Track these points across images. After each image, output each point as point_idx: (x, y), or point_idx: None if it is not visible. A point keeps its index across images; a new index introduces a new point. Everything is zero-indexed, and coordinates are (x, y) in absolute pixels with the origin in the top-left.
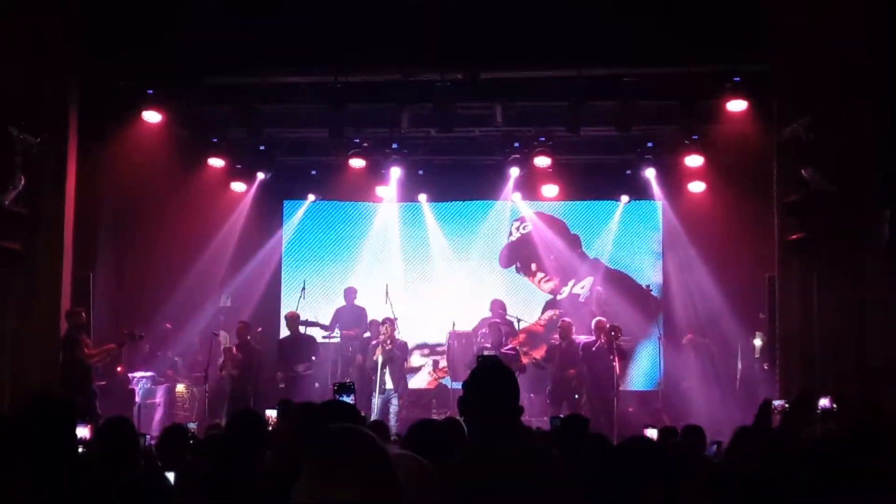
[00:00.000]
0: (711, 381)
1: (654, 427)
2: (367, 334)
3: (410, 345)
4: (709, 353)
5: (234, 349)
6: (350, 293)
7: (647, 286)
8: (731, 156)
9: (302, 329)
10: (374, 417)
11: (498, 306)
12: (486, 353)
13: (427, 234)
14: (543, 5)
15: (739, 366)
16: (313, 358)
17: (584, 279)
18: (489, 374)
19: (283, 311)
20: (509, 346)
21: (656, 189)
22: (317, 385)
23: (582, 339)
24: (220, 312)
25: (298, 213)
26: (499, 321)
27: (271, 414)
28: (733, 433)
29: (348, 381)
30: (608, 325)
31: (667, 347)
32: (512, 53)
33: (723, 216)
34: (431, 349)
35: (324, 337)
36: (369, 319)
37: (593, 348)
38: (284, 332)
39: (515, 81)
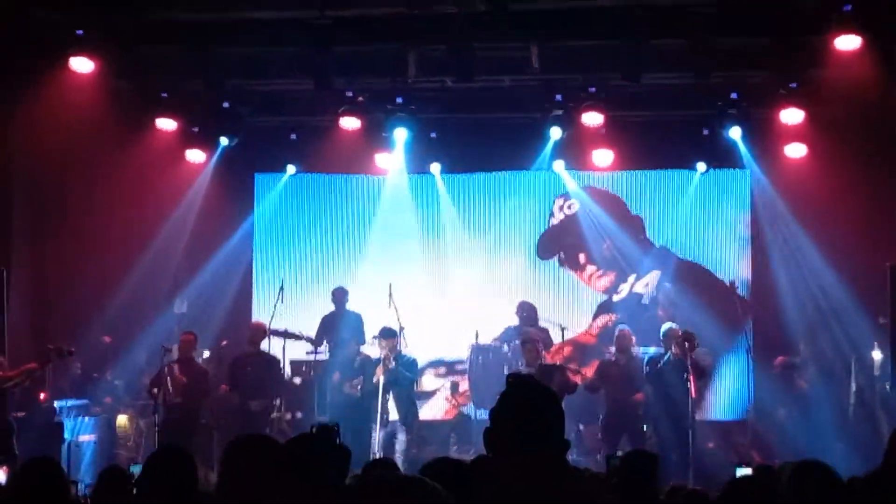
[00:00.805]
0: (816, 406)
1: (744, 466)
2: (365, 348)
3: (422, 362)
4: (812, 376)
5: (177, 369)
6: (340, 295)
7: (732, 282)
8: (841, 110)
9: (268, 344)
10: (375, 456)
11: (526, 310)
12: (520, 371)
13: (441, 218)
14: None
15: (854, 386)
16: (276, 402)
17: (649, 274)
18: (524, 398)
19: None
20: (550, 361)
21: (744, 154)
22: (292, 416)
23: (647, 352)
24: (173, 322)
25: (274, 191)
26: (532, 329)
27: None
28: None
29: (332, 423)
30: (681, 334)
31: (759, 364)
32: None
33: (829, 189)
34: (449, 368)
35: (308, 353)
36: (366, 329)
37: (661, 365)
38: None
39: (556, 13)
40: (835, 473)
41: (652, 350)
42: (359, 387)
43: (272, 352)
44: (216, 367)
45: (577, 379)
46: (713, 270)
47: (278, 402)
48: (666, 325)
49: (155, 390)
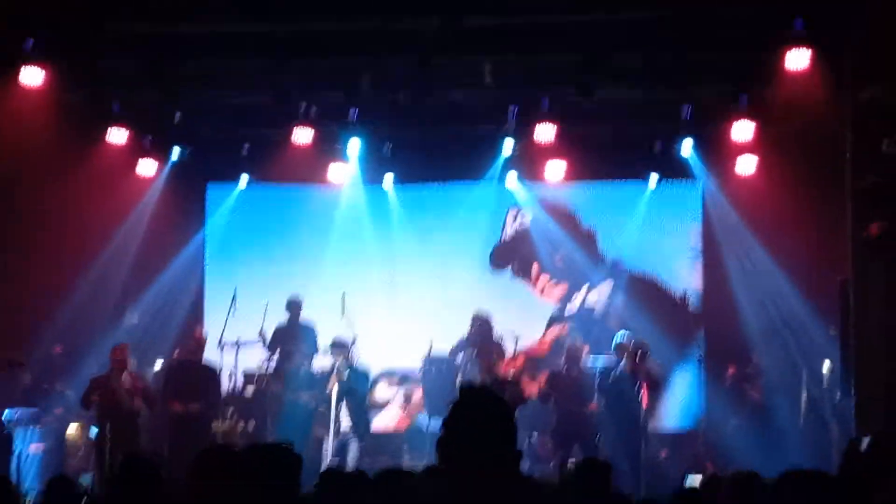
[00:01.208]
0: (769, 416)
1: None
2: (318, 359)
3: (375, 372)
4: (760, 386)
5: (128, 379)
6: (294, 306)
7: (684, 294)
8: (792, 125)
9: (220, 355)
10: (326, 465)
11: (480, 321)
12: (472, 381)
13: (394, 228)
14: None
15: (805, 395)
16: (224, 410)
17: (601, 285)
18: (476, 408)
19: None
20: (504, 372)
21: (696, 166)
22: (245, 426)
23: (598, 362)
24: (125, 332)
25: (227, 201)
26: (484, 339)
27: None
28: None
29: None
30: (633, 344)
31: (710, 374)
32: None
33: (780, 202)
34: (402, 378)
35: (261, 363)
36: (319, 339)
37: (614, 375)
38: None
39: (509, 28)
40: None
41: (602, 360)
42: (311, 397)
43: (224, 363)
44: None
45: (534, 388)
46: (665, 282)
47: (231, 411)
48: (619, 335)
49: (95, 397)
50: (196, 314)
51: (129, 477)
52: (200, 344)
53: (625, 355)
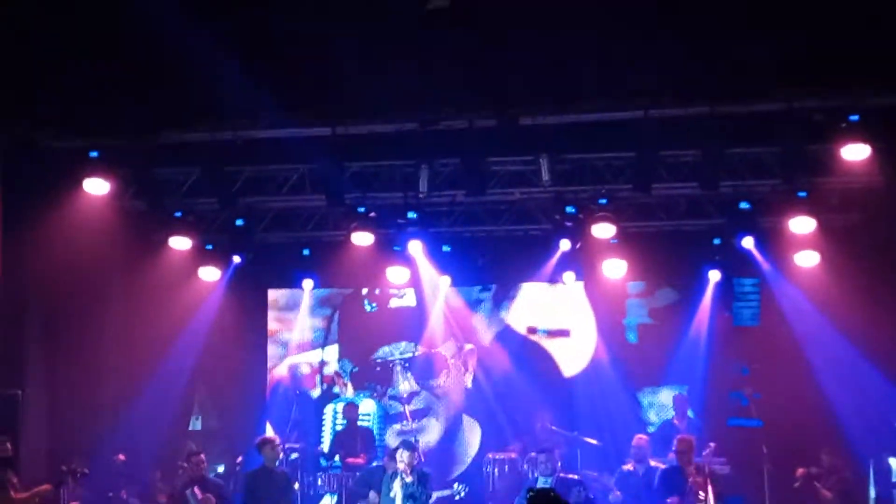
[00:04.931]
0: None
1: None
2: (377, 463)
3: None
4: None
5: (198, 490)
6: (351, 411)
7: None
8: (851, 217)
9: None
10: None
11: (539, 417)
12: (539, 481)
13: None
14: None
15: (872, 493)
16: None
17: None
18: None
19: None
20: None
21: (761, 262)
22: None
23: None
24: (188, 439)
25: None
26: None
27: None
28: None
29: None
30: (677, 443)
31: (775, 466)
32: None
33: (841, 296)
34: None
35: (322, 467)
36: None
37: (678, 478)
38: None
39: (565, 126)
40: None
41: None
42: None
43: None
44: (232, 482)
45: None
46: None
47: None
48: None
49: None
50: (258, 419)
51: None
52: (271, 448)
53: (688, 456)
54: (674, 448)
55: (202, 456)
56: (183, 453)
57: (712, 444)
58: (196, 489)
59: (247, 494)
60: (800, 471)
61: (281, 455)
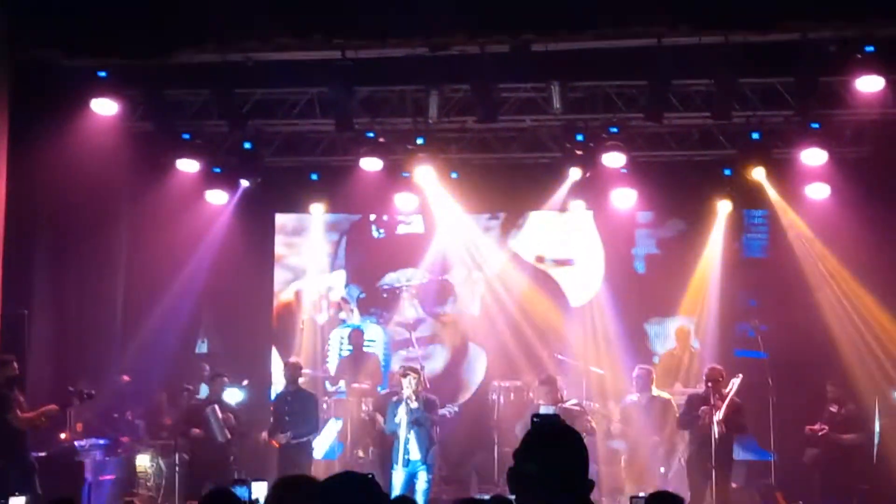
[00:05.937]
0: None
1: None
2: (382, 389)
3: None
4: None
5: (219, 409)
6: (357, 337)
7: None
8: (863, 150)
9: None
10: (395, 494)
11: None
12: (542, 410)
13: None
14: None
15: (877, 428)
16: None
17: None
18: (549, 438)
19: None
20: (572, 400)
21: (771, 194)
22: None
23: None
24: (194, 362)
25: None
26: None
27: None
28: None
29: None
30: (706, 374)
31: (780, 397)
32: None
33: (851, 230)
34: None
35: (328, 392)
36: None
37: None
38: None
39: (577, 54)
40: None
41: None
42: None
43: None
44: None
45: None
46: None
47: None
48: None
49: (196, 431)
50: (265, 343)
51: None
52: (297, 370)
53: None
54: (705, 375)
55: (225, 379)
56: (188, 376)
57: (740, 375)
58: (216, 407)
59: (277, 414)
60: (808, 429)
61: (302, 378)
